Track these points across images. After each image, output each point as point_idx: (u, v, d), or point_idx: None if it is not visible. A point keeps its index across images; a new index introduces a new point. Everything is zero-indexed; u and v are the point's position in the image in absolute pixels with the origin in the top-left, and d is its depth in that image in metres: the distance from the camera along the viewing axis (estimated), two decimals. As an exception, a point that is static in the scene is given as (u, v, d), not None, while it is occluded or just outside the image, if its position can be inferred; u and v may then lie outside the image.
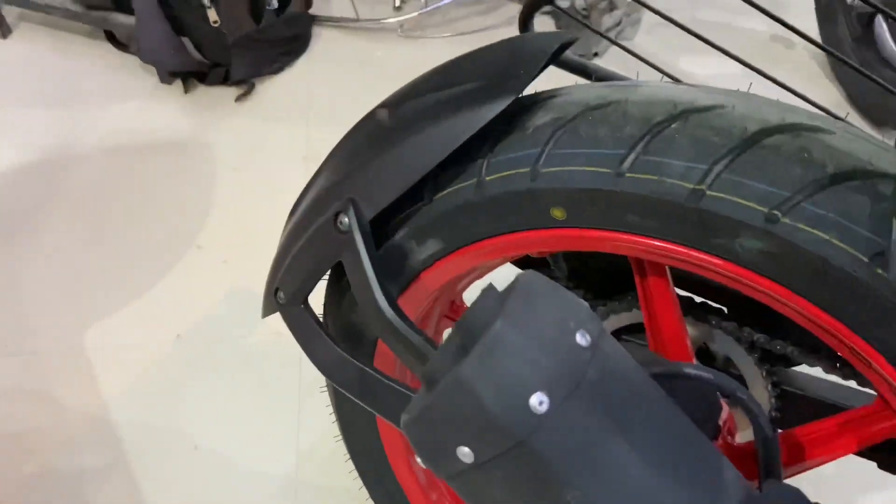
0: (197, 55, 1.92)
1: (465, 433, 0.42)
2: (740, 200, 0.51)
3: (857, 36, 1.83)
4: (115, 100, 1.95)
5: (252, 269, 1.28)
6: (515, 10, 2.23)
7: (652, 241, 0.55)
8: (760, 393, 0.77)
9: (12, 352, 1.41)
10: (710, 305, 0.78)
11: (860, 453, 0.68)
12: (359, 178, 0.62)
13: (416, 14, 2.20)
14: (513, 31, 1.87)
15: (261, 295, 0.71)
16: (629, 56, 0.88)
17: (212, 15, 1.83)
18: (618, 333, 0.82)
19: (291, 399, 1.32)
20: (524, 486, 0.42)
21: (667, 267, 0.65)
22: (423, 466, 0.46)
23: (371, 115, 0.68)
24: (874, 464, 0.71)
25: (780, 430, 0.66)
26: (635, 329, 0.81)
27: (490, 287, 0.46)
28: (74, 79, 2.02)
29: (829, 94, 1.94)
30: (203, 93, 1.97)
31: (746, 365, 0.78)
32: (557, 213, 0.57)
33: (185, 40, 1.90)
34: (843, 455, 0.65)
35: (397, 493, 0.87)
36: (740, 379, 0.79)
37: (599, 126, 0.56)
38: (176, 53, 1.90)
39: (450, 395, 0.42)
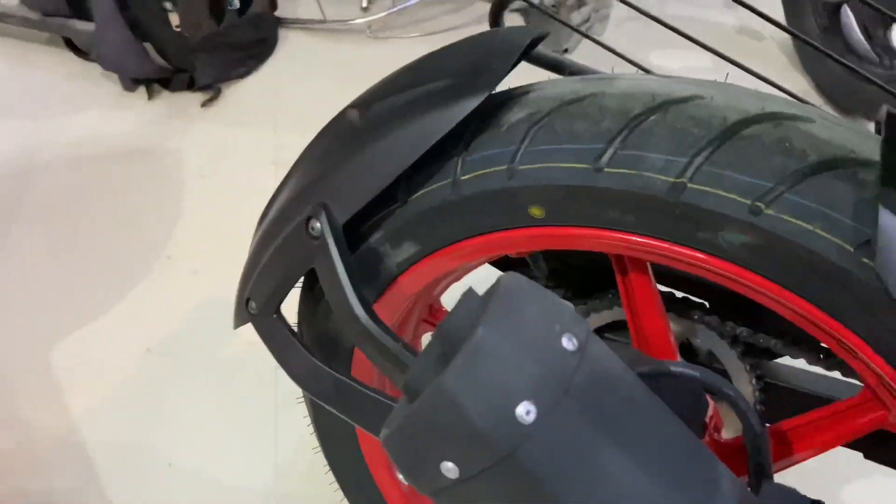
0: (160, 61, 1.89)
1: (449, 447, 0.40)
2: (722, 193, 0.50)
3: (824, 25, 1.85)
4: (78, 109, 1.91)
5: (223, 278, 1.25)
6: (484, 8, 2.22)
7: (633, 238, 0.54)
8: (745, 387, 0.76)
9: (-25, 371, 1.36)
10: (692, 300, 0.77)
11: (846, 444, 0.68)
12: (330, 181, 0.61)
13: (384, 14, 2.18)
14: (483, 29, 1.86)
15: (232, 305, 0.69)
16: (600, 52, 0.88)
17: (174, 19, 1.79)
18: (599, 331, 0.81)
19: (267, 411, 1.29)
20: (513, 501, 0.40)
21: (648, 263, 0.64)
22: (405, 482, 0.44)
23: (341, 117, 0.66)
24: (860, 454, 0.70)
25: (767, 426, 0.65)
26: (616, 326, 0.80)
27: (470, 291, 0.44)
28: (34, 89, 1.98)
29: (798, 85, 1.97)
30: (168, 99, 1.93)
31: (729, 359, 0.77)
32: (536, 212, 0.56)
33: (148, 46, 1.87)
34: (830, 448, 0.64)
35: (379, 502, 0.85)
36: (724, 373, 0.78)
37: (576, 121, 0.55)
38: (138, 60, 1.86)
39: (431, 407, 0.40)
